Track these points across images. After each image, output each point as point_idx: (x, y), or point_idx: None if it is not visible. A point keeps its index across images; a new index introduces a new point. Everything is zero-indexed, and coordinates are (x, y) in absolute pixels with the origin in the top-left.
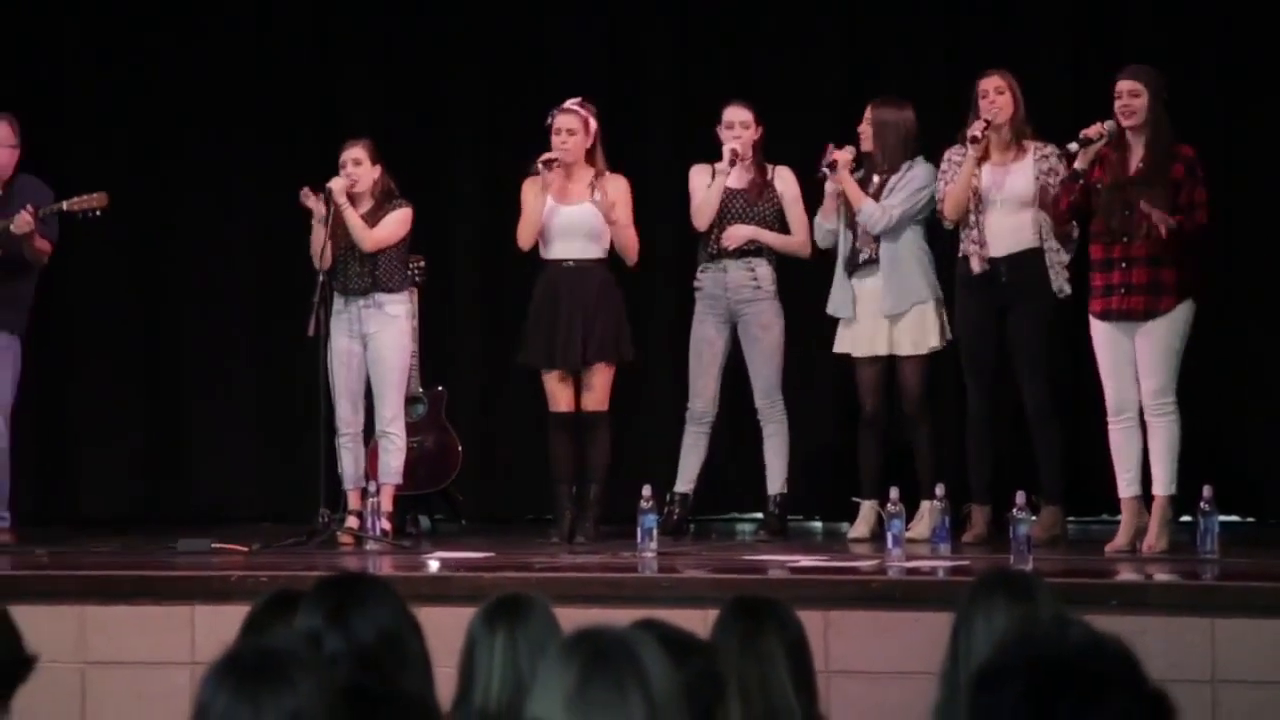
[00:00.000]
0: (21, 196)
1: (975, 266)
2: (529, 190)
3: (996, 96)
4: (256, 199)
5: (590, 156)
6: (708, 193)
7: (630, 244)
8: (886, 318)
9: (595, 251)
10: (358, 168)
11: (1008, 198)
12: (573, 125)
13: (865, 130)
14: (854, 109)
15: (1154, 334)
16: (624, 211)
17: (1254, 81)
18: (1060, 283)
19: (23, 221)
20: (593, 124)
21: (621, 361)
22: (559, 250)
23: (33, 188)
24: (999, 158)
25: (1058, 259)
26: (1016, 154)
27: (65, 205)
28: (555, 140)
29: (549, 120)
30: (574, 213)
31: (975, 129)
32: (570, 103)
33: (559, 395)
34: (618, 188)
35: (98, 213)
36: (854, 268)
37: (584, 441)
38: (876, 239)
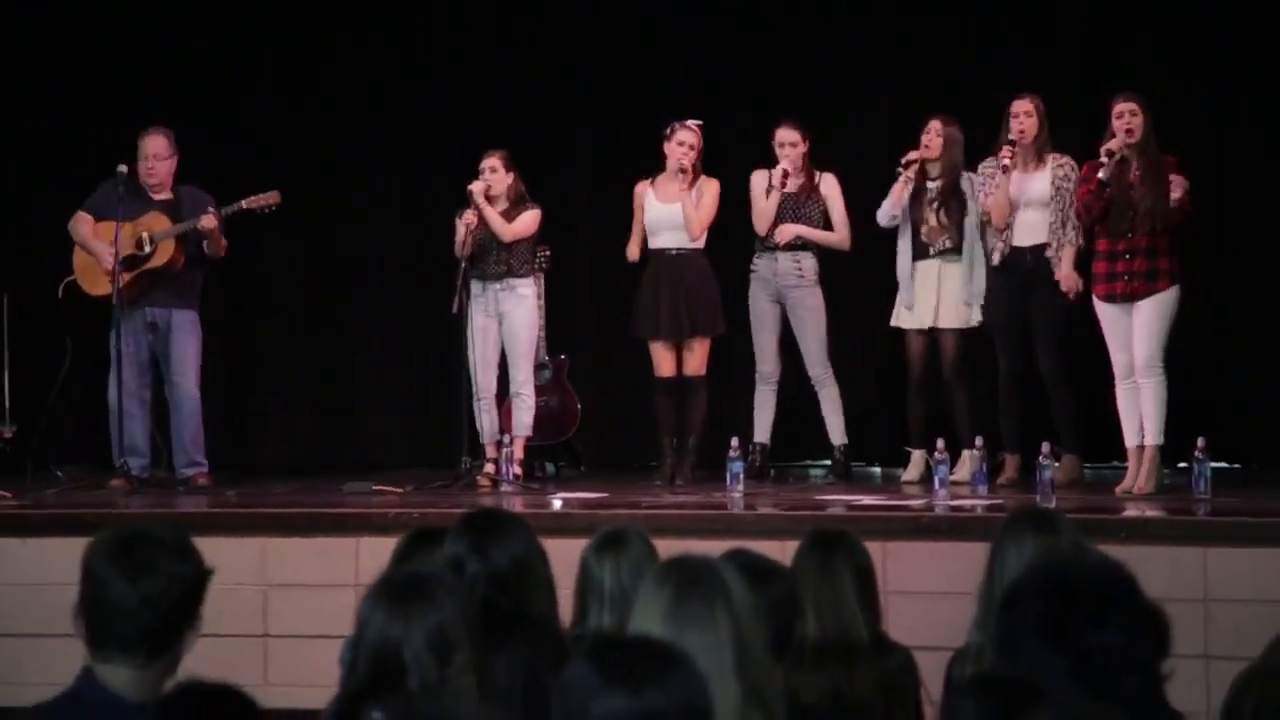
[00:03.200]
0: (190, 203)
1: (995, 259)
2: (637, 199)
3: (1025, 119)
4: (405, 197)
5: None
6: (766, 204)
7: (694, 220)
8: (937, 296)
9: (692, 242)
10: (494, 174)
11: (1031, 200)
12: (692, 140)
13: (935, 142)
14: (903, 122)
15: (1148, 311)
16: (708, 203)
17: (1245, 94)
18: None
19: (209, 220)
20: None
21: (716, 334)
22: (663, 241)
23: (199, 195)
24: (1026, 167)
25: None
26: (1038, 164)
27: (245, 204)
28: (679, 150)
29: (668, 131)
30: (672, 209)
31: (1004, 158)
32: (692, 122)
33: (663, 362)
34: (710, 187)
35: (272, 208)
36: (923, 257)
37: (683, 401)
38: (956, 231)
